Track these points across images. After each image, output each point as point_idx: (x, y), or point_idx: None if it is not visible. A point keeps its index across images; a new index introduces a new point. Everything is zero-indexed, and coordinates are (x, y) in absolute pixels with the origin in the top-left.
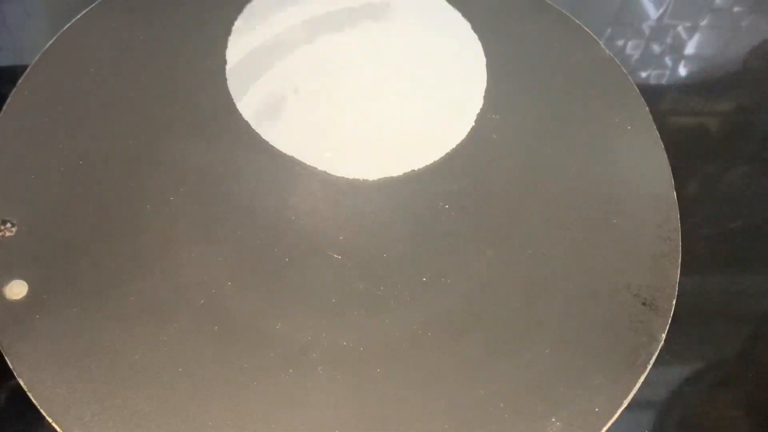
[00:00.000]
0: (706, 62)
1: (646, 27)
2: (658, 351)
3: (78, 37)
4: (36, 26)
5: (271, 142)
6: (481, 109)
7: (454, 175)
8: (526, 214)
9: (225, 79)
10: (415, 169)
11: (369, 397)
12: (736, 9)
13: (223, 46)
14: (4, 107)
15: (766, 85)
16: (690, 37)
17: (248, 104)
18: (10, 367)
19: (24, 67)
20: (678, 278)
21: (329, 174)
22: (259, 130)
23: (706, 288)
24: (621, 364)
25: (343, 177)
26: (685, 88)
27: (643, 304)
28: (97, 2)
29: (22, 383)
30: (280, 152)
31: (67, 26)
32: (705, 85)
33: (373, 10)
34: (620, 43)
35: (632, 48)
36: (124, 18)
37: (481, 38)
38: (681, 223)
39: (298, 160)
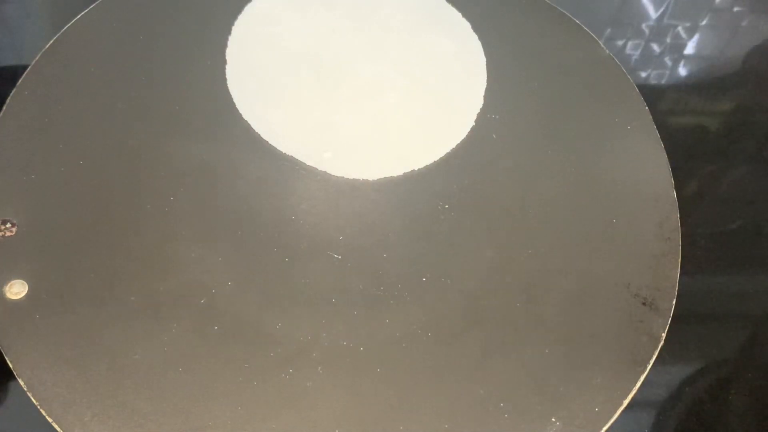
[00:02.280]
0: (706, 62)
1: (646, 27)
2: (658, 351)
3: (78, 37)
4: (36, 26)
5: (271, 142)
6: (481, 109)
7: (454, 175)
8: (526, 214)
9: (225, 79)
10: (415, 169)
11: (369, 397)
12: (736, 9)
13: (223, 46)
14: (4, 107)
15: (766, 85)
16: (690, 37)
17: (248, 104)
18: (10, 367)
19: (24, 67)
20: (678, 278)
21: (329, 174)
22: (259, 130)
23: (706, 288)
24: (621, 364)
25: (343, 177)
26: (685, 88)
27: (643, 303)
28: (97, 2)
29: (22, 383)
30: (280, 152)
31: (67, 26)
32: (705, 85)
33: (373, 9)
34: (620, 43)
35: (632, 48)
36: (124, 18)
37: (481, 38)
38: (681, 223)
39: (298, 160)
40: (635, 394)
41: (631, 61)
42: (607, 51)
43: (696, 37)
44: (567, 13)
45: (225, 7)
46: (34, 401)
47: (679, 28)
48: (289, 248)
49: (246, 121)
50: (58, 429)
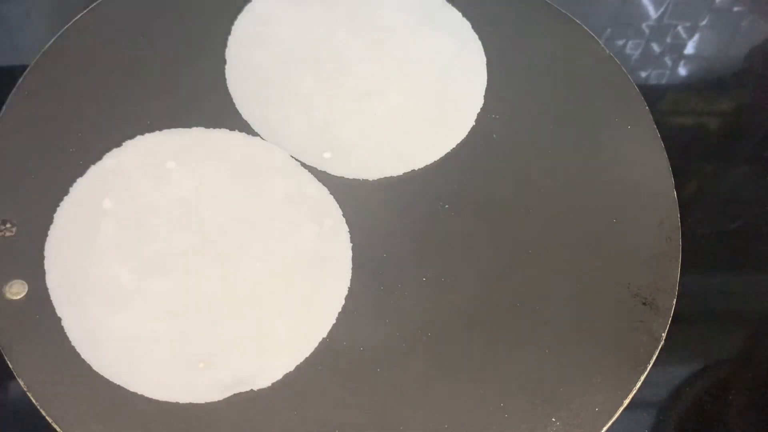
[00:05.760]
0: (706, 62)
1: (646, 27)
2: (658, 351)
3: (78, 37)
4: (36, 26)
5: (271, 142)
6: (481, 109)
7: (454, 175)
8: (526, 214)
9: (225, 79)
10: (415, 169)
11: (369, 397)
12: (736, 9)
13: (223, 46)
14: (4, 107)
15: (766, 85)
16: (690, 37)
17: (248, 104)
18: (10, 367)
19: (24, 67)
20: (678, 278)
21: (329, 174)
22: (259, 130)
23: (706, 288)
24: (621, 364)
25: (343, 177)
26: (685, 88)
27: (643, 303)
28: (97, 2)
29: (22, 383)
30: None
31: (67, 26)
32: (705, 85)
33: (373, 9)
34: (620, 42)
35: (632, 48)
36: (124, 18)
37: (481, 38)
38: (681, 223)
39: (298, 159)
40: (635, 394)
41: (631, 61)
42: (607, 51)
43: (696, 37)
44: (567, 13)
45: (225, 7)
46: (34, 401)
47: (679, 28)
48: None
49: (246, 121)
50: (58, 429)
